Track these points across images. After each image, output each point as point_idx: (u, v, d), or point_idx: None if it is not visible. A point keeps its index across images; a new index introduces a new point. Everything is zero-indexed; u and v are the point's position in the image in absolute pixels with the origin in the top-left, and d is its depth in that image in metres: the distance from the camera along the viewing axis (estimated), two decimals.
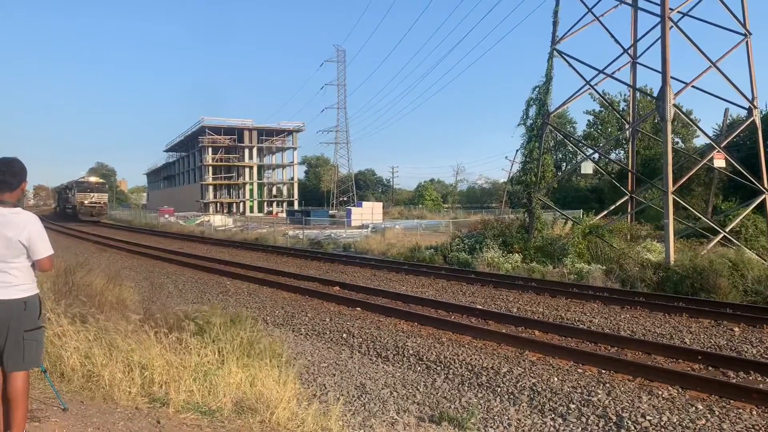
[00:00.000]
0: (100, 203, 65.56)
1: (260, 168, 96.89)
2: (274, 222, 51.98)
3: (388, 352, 9.66)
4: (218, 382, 5.79)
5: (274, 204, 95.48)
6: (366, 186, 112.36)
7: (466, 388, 7.93)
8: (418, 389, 7.88)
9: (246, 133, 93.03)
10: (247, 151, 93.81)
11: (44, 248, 3.91)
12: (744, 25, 20.18)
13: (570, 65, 21.79)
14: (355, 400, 7.38)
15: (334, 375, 8.49)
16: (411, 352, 9.57)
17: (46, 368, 4.94)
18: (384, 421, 6.26)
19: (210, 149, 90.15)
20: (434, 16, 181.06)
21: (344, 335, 10.85)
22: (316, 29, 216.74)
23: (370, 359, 9.45)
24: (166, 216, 64.47)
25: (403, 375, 8.54)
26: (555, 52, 21.84)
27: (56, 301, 7.27)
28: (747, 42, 20.19)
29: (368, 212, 54.35)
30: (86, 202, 63.83)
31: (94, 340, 6.29)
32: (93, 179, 68.63)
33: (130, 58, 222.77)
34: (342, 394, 7.27)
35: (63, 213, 72.98)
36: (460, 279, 17.87)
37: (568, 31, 22.14)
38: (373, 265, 21.64)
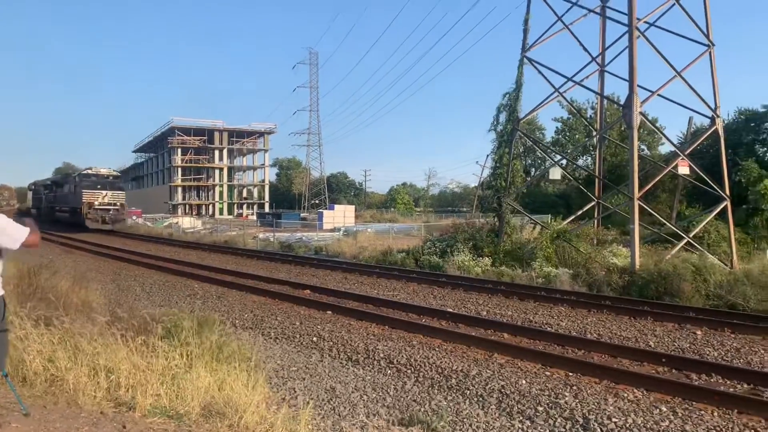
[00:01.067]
0: (116, 205, 45.62)
1: (230, 170, 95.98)
2: (244, 224, 51.52)
3: (359, 356, 9.66)
4: (186, 386, 5.72)
5: (245, 206, 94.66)
6: (338, 189, 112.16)
7: (436, 391, 7.97)
8: (388, 392, 7.89)
9: (216, 134, 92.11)
10: (217, 153, 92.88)
11: (19, 231, 3.85)
12: (707, 36, 20.67)
13: (540, 72, 22.07)
14: (325, 404, 7.36)
15: (304, 379, 8.45)
16: (382, 355, 9.58)
17: (8, 372, 4.83)
18: (354, 424, 6.25)
19: (179, 150, 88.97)
20: (407, 22, 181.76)
21: (314, 339, 10.81)
22: (290, 31, 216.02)
23: (341, 363, 9.43)
24: (134, 217, 58.09)
25: (373, 378, 8.55)
26: (525, 60, 22.11)
27: (20, 304, 7.10)
28: (710, 52, 20.69)
29: (340, 215, 54.19)
30: (97, 202, 44.35)
31: (58, 343, 6.17)
32: (104, 170, 47.94)
33: (100, 55, 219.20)
34: (312, 398, 7.25)
35: (47, 217, 54.89)
36: (432, 282, 17.95)
37: (538, 38, 22.43)
38: (344, 269, 21.60)
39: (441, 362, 9.09)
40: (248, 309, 13.70)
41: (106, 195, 44.90)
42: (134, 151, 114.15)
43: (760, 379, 8.04)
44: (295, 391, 7.75)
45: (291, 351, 10.14)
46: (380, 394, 7.84)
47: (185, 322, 7.46)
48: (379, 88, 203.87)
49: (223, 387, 5.98)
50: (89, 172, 47.12)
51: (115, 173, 50.09)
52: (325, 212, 56.60)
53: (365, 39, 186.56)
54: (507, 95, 22.57)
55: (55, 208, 53.79)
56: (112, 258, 25.22)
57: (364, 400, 7.55)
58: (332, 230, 44.38)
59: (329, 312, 13.21)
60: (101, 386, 5.53)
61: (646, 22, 20.24)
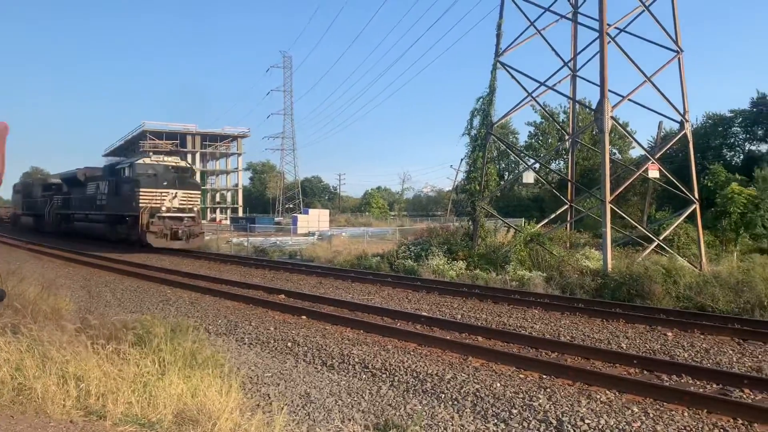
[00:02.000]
0: (191, 211, 30.59)
1: (203, 174, 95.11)
2: (217, 229, 51.09)
3: (334, 361, 9.62)
4: (158, 394, 5.64)
5: (218, 211, 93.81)
6: (312, 193, 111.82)
7: (411, 395, 7.97)
8: (363, 397, 7.88)
9: (189, 138, 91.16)
10: (189, 157, 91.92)
11: None
12: (676, 42, 21.08)
13: (513, 77, 22.32)
14: (300, 410, 7.32)
15: (278, 384, 8.39)
16: (356, 360, 9.56)
17: None
18: (329, 429, 6.23)
19: (151, 154, 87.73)
20: (381, 26, 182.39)
21: (289, 344, 10.74)
22: (264, 34, 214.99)
23: (315, 368, 9.39)
24: None
25: (348, 383, 8.52)
26: (498, 64, 22.32)
27: None
28: (679, 58, 21.10)
29: (314, 219, 54.03)
30: (164, 207, 29.26)
31: (26, 351, 6.04)
32: (170, 160, 32.34)
33: (68, 56, 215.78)
34: (286, 404, 7.20)
35: (55, 227, 41.05)
36: (406, 286, 17.97)
37: (511, 43, 22.67)
38: (319, 273, 21.52)
39: (416, 366, 9.09)
40: (222, 314, 13.57)
41: (175, 196, 29.55)
42: (104, 155, 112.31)
43: (729, 380, 8.20)
44: (270, 397, 7.69)
45: (265, 356, 10.07)
46: (355, 398, 7.82)
47: (158, 329, 7.36)
48: (354, 91, 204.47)
49: (196, 394, 5.91)
50: (147, 162, 30.74)
51: (185, 164, 33.07)
52: (300, 216, 56.43)
53: (340, 42, 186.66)
54: (481, 99, 22.77)
55: (73, 217, 37.91)
56: (82, 264, 24.76)
57: (339, 405, 7.52)
58: (307, 234, 44.22)
59: (304, 317, 13.14)
60: (71, 395, 5.43)
61: (616, 28, 20.59)
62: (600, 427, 6.61)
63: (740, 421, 6.65)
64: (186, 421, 5.26)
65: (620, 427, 6.59)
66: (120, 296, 16.34)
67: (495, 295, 15.95)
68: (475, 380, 8.35)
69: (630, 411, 7.04)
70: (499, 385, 8.14)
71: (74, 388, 5.49)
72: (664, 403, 7.25)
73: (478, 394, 7.79)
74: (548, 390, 7.88)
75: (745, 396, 7.67)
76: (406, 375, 8.76)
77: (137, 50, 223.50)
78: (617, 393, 7.69)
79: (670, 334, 11.41)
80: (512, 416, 7.04)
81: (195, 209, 31.21)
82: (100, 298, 16.03)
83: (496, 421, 6.96)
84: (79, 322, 8.03)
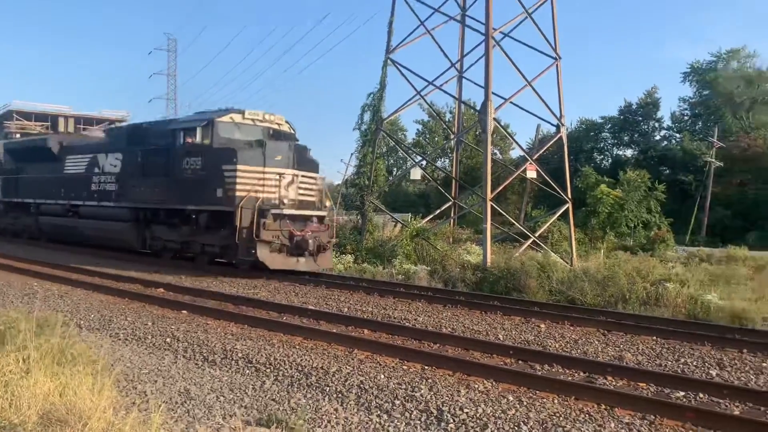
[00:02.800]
0: (319, 207, 18.65)
1: None
2: None
3: (216, 356, 9.36)
4: (22, 393, 5.24)
5: None
6: None
7: (295, 389, 7.91)
8: (246, 393, 7.72)
9: (61, 120, 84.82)
10: None
11: None
12: (555, 50, 22.34)
13: (402, 75, 22.73)
14: (179, 407, 7.06)
15: (156, 381, 8.05)
16: (240, 355, 9.35)
17: None
18: (209, 426, 6.06)
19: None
20: (271, 17, 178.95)
21: (168, 339, 10.33)
22: (145, 16, 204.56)
23: (196, 364, 9.09)
24: None
25: (230, 379, 8.32)
26: (389, 61, 22.63)
27: None
28: (557, 65, 22.38)
29: None
30: (286, 200, 17.14)
31: None
32: (274, 119, 18.80)
33: None
34: (164, 401, 6.91)
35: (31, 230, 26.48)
36: (293, 280, 17.80)
37: (402, 41, 23.07)
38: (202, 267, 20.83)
39: (301, 360, 9.04)
40: (95, 309, 12.81)
41: (292, 181, 17.46)
42: None
43: (594, 368, 8.80)
44: (147, 395, 7.35)
45: (142, 353, 9.62)
46: (238, 394, 7.65)
47: (22, 324, 6.83)
48: (242, 80, 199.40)
49: (65, 392, 5.54)
50: (236, 119, 18.15)
51: (288, 126, 19.55)
52: None
53: (229, 27, 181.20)
54: (371, 95, 23.00)
55: (37, 209, 25.48)
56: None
57: (220, 401, 7.33)
58: None
59: (185, 311, 12.68)
60: None
61: (501, 32, 21.48)
62: (478, 415, 6.87)
63: (603, 406, 7.15)
64: (53, 422, 4.92)
65: (497, 414, 6.89)
66: None
67: (381, 288, 16.18)
68: (360, 372, 8.42)
69: (506, 399, 7.38)
70: (383, 376, 8.26)
71: None
72: (537, 391, 7.66)
73: (362, 386, 7.87)
74: (430, 380, 8.10)
75: (607, 383, 8.27)
76: (291, 369, 8.69)
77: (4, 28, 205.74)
78: (494, 382, 8.02)
79: (543, 325, 12.08)
80: (395, 407, 7.17)
81: (327, 204, 19.71)
82: None
83: (379, 412, 7.06)
84: None
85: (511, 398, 7.43)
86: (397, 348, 9.66)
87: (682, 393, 7.79)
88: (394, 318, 12.67)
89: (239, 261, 17.47)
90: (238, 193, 16.41)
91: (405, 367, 8.77)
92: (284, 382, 8.21)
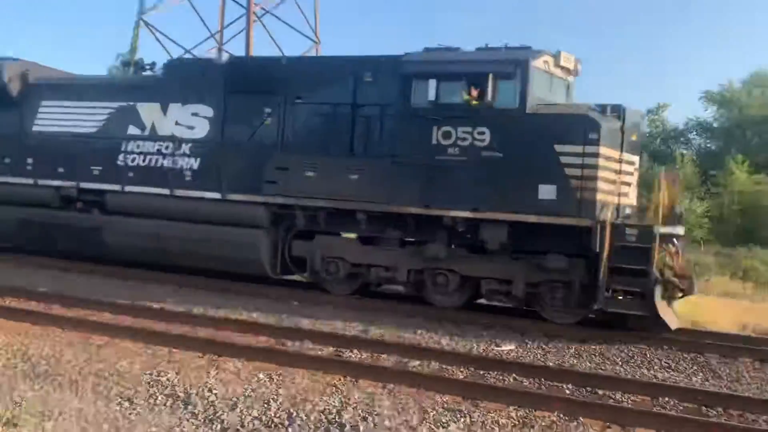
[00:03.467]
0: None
1: None
2: None
3: None
4: None
5: None
6: None
7: (19, 381, 7.06)
8: None
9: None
10: None
11: None
12: (315, 34, 22.93)
13: (157, 39, 21.44)
14: None
15: None
16: None
17: None
18: None
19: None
20: None
21: None
22: None
23: None
24: None
25: None
26: (142, 22, 21.21)
27: None
28: (316, 48, 23.04)
29: None
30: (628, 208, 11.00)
31: None
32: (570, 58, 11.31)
33: None
34: None
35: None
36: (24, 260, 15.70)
37: (157, 3, 21.71)
38: None
39: (28, 349, 8.09)
40: None
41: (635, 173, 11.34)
42: None
43: (342, 342, 9.21)
44: None
45: None
46: None
47: None
48: None
49: None
50: (552, 67, 11.12)
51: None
52: None
53: None
54: (120, 57, 21.38)
55: None
56: None
57: None
58: None
59: None
60: None
61: (263, 8, 21.35)
62: (228, 395, 6.79)
63: (348, 378, 7.52)
64: None
65: (246, 393, 6.87)
66: None
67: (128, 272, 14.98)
68: (98, 359, 7.80)
69: (257, 378, 7.37)
70: (125, 362, 7.74)
71: None
72: (289, 368, 7.77)
73: (100, 374, 7.29)
74: (177, 364, 7.78)
75: (353, 356, 8.70)
76: (16, 359, 7.76)
77: None
78: (246, 361, 7.97)
79: (296, 302, 12.22)
80: (138, 394, 6.79)
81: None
82: None
83: (119, 399, 6.65)
84: None
85: (262, 376, 7.45)
86: (142, 331, 9.10)
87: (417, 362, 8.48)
88: (142, 299, 11.83)
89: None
90: (599, 196, 10.06)
91: (150, 352, 8.29)
92: (6, 375, 7.26)
